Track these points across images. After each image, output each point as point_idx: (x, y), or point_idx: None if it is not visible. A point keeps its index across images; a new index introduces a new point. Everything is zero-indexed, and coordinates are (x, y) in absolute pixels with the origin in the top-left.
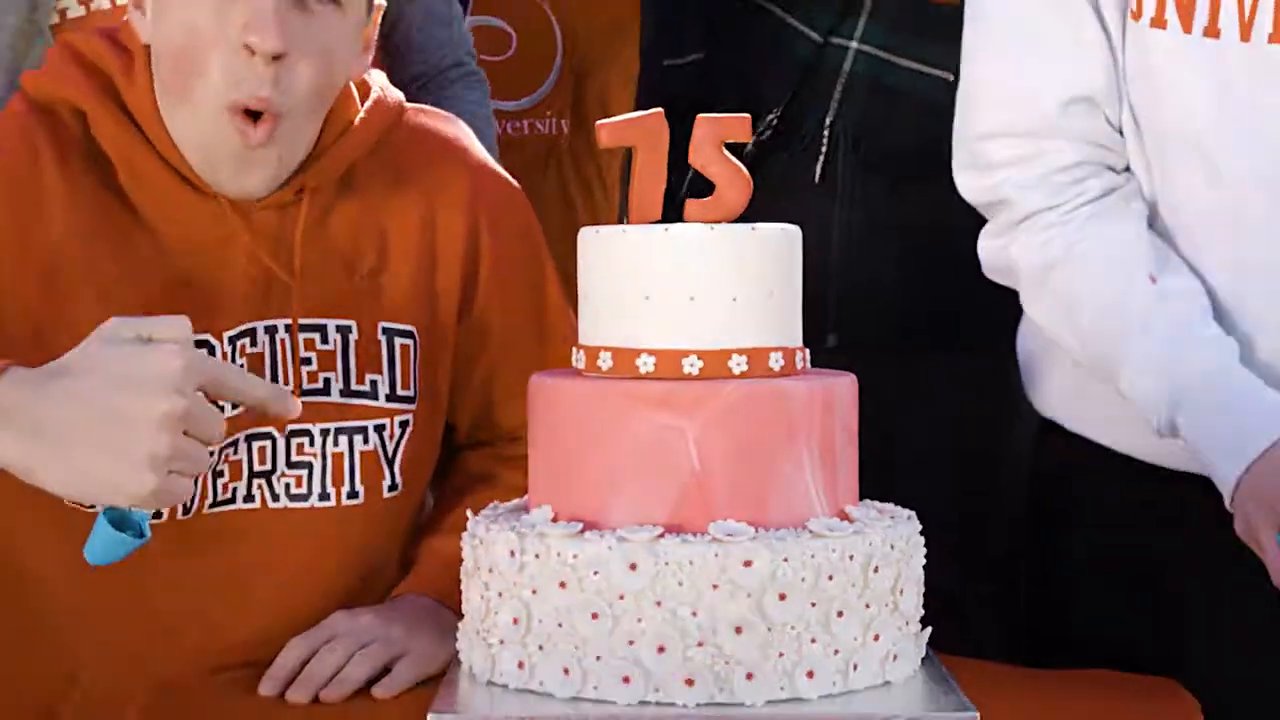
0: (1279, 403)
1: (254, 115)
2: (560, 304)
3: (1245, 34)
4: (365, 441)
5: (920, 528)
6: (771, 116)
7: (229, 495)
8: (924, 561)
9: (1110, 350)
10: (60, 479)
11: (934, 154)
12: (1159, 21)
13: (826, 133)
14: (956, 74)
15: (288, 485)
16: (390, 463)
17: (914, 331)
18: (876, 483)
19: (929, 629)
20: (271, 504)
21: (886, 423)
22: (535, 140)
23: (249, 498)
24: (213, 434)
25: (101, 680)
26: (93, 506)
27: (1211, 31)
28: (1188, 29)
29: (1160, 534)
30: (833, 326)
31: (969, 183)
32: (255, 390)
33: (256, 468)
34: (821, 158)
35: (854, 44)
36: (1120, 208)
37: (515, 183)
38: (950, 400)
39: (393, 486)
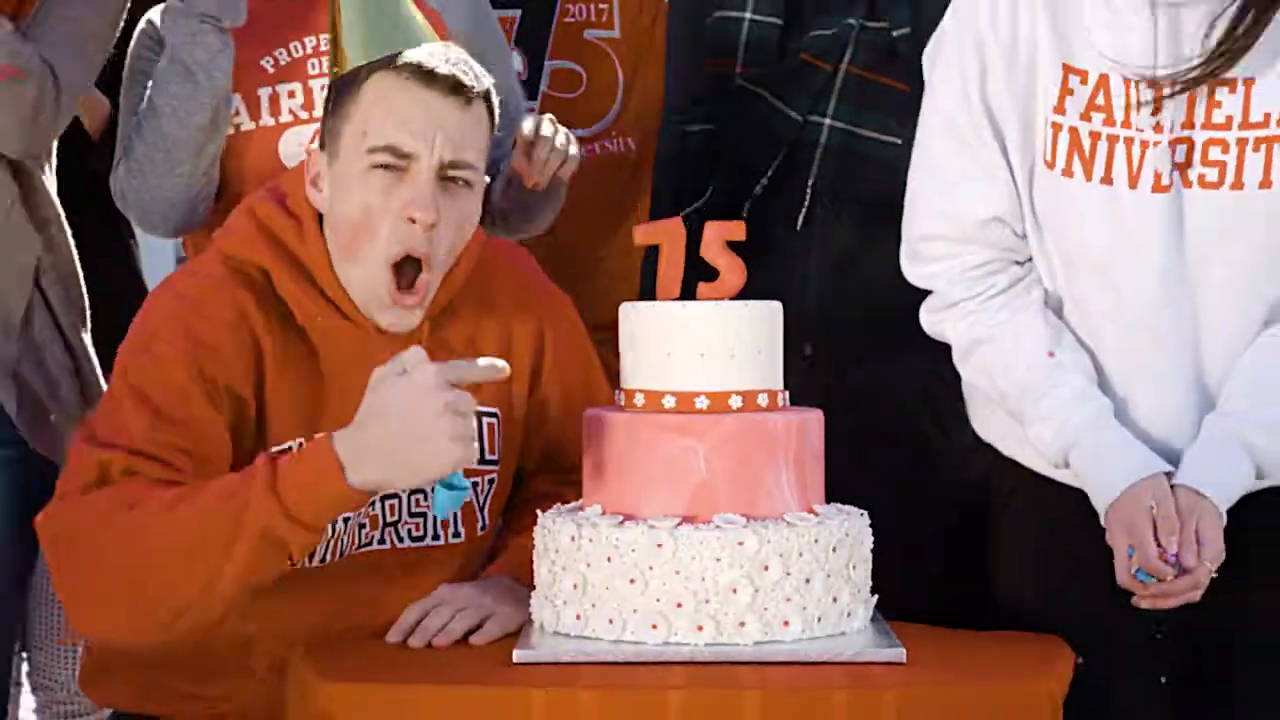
0: (1140, 454)
1: (414, 267)
2: (600, 379)
3: (1133, 183)
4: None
5: (869, 522)
6: (764, 180)
7: (369, 540)
8: (872, 545)
9: (1020, 407)
10: (408, 479)
11: (893, 204)
12: (1068, 171)
13: (809, 190)
14: (907, 139)
15: (409, 530)
16: (481, 509)
17: (882, 343)
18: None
19: (876, 595)
20: (398, 545)
21: (851, 417)
22: (606, 158)
23: (381, 540)
24: (471, 408)
25: (276, 642)
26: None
27: (1106, 180)
28: (1089, 178)
29: (1073, 535)
30: (810, 339)
31: (909, 269)
32: (476, 373)
33: (388, 519)
34: (804, 209)
35: (828, 120)
36: (1024, 297)
37: (564, 294)
38: (890, 403)
39: (483, 526)
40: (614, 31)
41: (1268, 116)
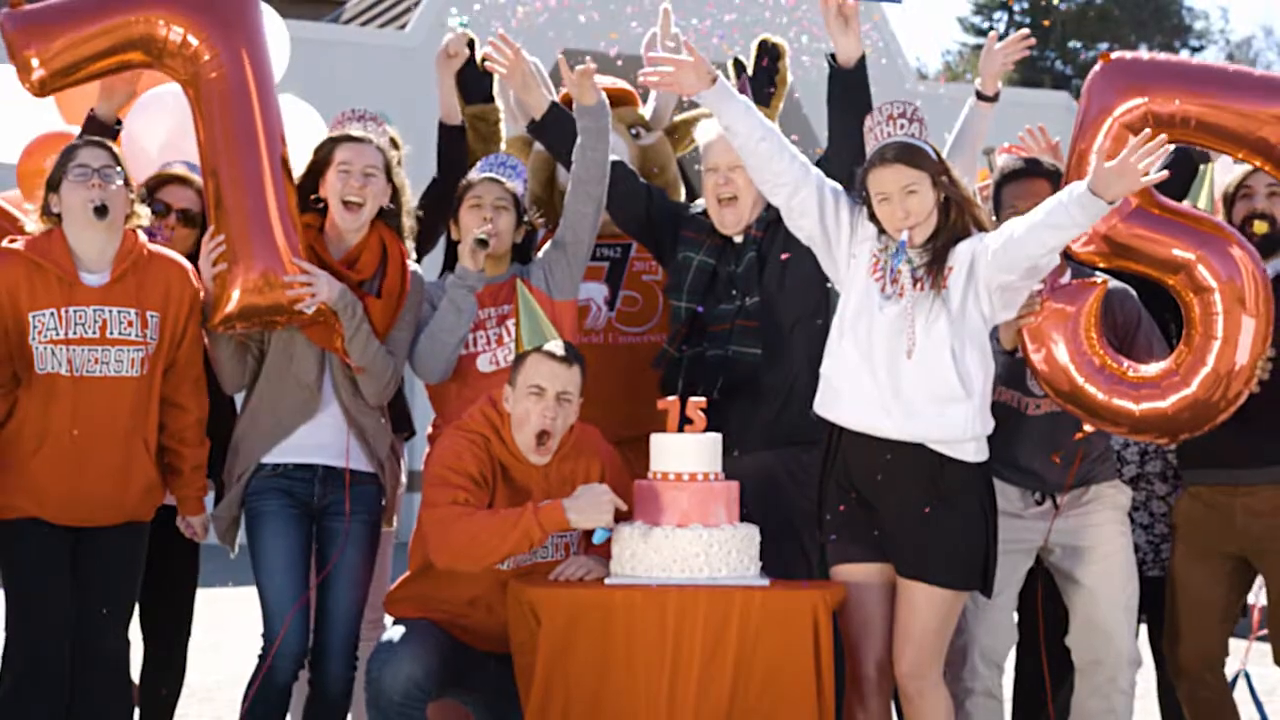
0: None
1: (545, 437)
2: (629, 484)
3: (885, 289)
4: (569, 538)
5: (758, 528)
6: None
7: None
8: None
9: None
10: (587, 524)
11: (757, 383)
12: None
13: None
14: (761, 350)
15: (545, 556)
16: (574, 544)
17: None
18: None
19: (761, 562)
20: (539, 561)
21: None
22: (649, 345)
23: (533, 558)
24: (612, 506)
25: (487, 598)
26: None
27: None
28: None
29: (878, 479)
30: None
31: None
32: (616, 505)
33: (540, 554)
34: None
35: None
36: None
37: (613, 447)
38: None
39: (574, 550)
40: (658, 276)
41: None
